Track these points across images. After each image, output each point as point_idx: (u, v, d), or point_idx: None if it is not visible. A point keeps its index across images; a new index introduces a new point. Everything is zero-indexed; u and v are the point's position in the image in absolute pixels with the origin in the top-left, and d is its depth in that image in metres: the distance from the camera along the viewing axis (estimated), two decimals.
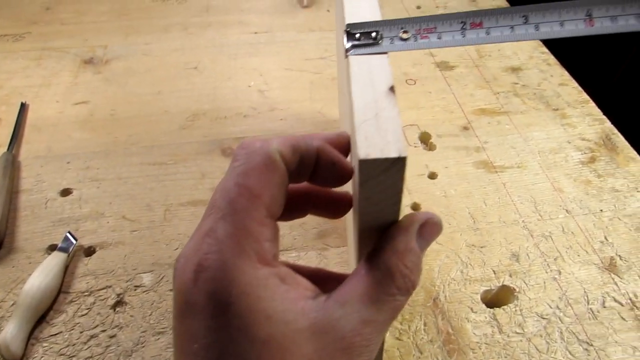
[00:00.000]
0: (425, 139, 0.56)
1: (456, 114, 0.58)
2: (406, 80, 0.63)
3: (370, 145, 0.17)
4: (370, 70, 0.21)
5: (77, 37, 0.68)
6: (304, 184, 0.25)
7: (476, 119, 0.58)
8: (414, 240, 0.21)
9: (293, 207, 0.26)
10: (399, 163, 0.17)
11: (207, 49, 0.67)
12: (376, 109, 0.19)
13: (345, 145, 0.24)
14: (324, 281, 0.25)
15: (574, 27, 0.24)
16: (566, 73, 0.65)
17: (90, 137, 0.55)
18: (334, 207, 0.26)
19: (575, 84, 0.63)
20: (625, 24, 0.23)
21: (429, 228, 0.22)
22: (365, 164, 0.17)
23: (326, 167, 0.23)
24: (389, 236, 0.21)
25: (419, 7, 0.77)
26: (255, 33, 0.70)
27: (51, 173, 0.52)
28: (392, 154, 0.17)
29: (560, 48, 0.68)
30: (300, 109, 0.59)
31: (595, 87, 0.66)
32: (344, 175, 0.23)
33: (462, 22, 0.25)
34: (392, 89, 0.20)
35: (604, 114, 0.59)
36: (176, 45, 0.67)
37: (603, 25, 0.24)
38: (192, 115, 0.58)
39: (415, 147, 0.55)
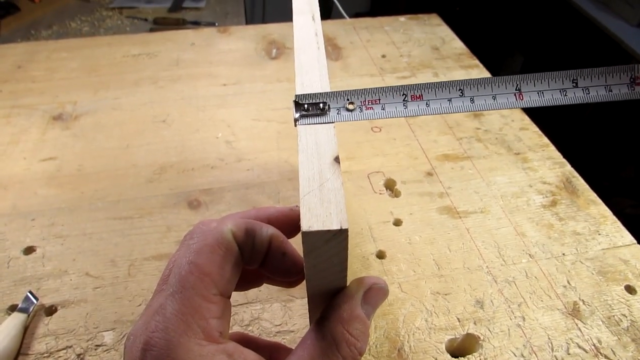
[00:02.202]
0: (390, 186, 0.56)
1: (420, 160, 0.59)
2: (372, 128, 0.64)
3: (313, 217, 0.18)
4: (317, 140, 0.22)
5: (47, 94, 0.68)
6: None
7: (440, 164, 0.59)
8: (359, 307, 0.22)
9: (248, 279, 0.26)
10: (340, 235, 0.18)
11: (176, 102, 0.68)
12: (320, 180, 0.19)
13: (297, 219, 0.25)
14: (280, 353, 0.25)
15: (505, 100, 0.25)
16: (527, 117, 0.67)
17: (56, 193, 0.55)
18: (288, 277, 0.27)
19: (536, 128, 0.65)
20: (551, 97, 0.25)
21: (374, 293, 0.23)
22: (307, 235, 0.18)
23: (276, 256, 0.24)
24: (335, 304, 0.22)
25: (384, 56, 0.79)
26: (224, 85, 0.72)
27: (15, 231, 0.51)
28: (334, 226, 0.18)
29: None
30: (268, 158, 0.60)
31: (555, 130, 0.68)
32: (292, 269, 0.24)
33: (403, 94, 0.26)
34: (337, 159, 0.20)
35: (564, 157, 0.60)
36: (145, 99, 0.68)
37: (531, 99, 0.25)
38: (160, 168, 0.58)
39: (380, 194, 0.55)
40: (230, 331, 0.41)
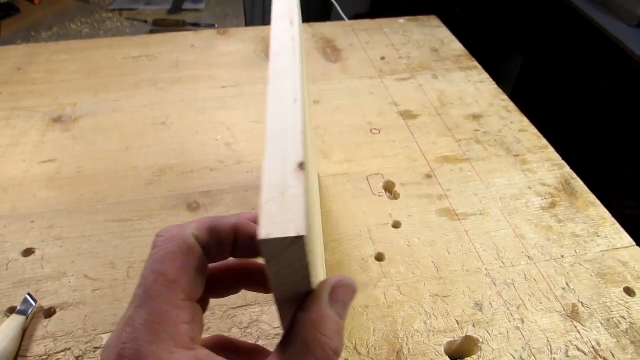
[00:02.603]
0: (389, 188, 0.56)
1: (419, 162, 0.59)
2: (371, 130, 0.64)
3: (272, 224, 0.18)
4: (283, 146, 0.22)
5: (47, 96, 0.69)
6: (232, 261, 0.26)
7: (439, 166, 0.59)
8: (327, 307, 0.22)
9: (225, 285, 0.26)
10: (298, 242, 0.18)
11: (176, 104, 0.68)
12: (283, 187, 0.19)
13: None
14: (260, 356, 0.25)
15: None
16: (526, 119, 0.67)
17: (55, 195, 0.55)
18: (266, 282, 0.27)
19: (535, 130, 0.65)
20: None
21: (341, 291, 0.23)
22: (265, 243, 0.18)
23: (244, 240, 0.24)
24: (303, 308, 0.22)
25: (383, 58, 0.79)
26: (224, 87, 0.72)
27: (14, 233, 0.51)
28: (291, 233, 0.18)
29: (522, 96, 0.71)
30: None
31: (554, 132, 0.68)
32: None
33: None
34: (301, 165, 0.20)
35: (563, 158, 0.60)
36: (145, 101, 0.68)
37: None
38: (159, 170, 0.58)
39: (379, 196, 0.55)
40: (223, 333, 0.41)
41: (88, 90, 0.70)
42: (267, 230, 0.17)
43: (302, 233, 0.17)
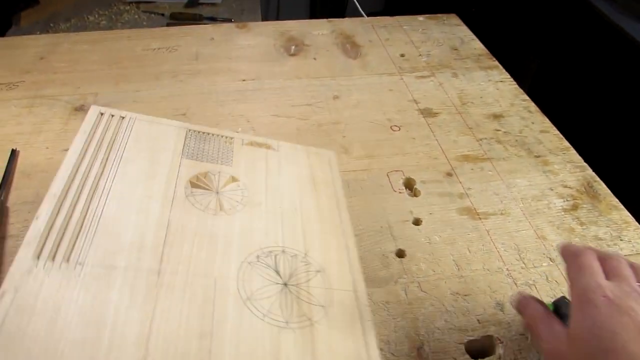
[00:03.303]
0: (409, 185, 0.56)
1: (440, 160, 0.59)
2: (391, 127, 0.64)
3: None
4: None
5: (69, 85, 0.69)
6: None
7: (459, 165, 0.59)
8: None
9: None
10: None
11: (196, 96, 0.68)
12: None
13: None
14: None
15: None
16: (547, 120, 0.66)
17: None
18: None
19: (556, 131, 0.64)
20: None
21: None
22: None
23: None
24: None
25: (402, 55, 0.79)
26: (244, 80, 0.72)
27: None
28: None
29: (539, 99, 0.70)
30: None
31: (576, 134, 0.67)
32: None
33: None
34: None
35: (586, 159, 0.60)
36: (165, 93, 0.68)
37: None
38: None
39: (400, 192, 0.55)
40: None
41: (109, 80, 0.71)
42: None
43: None
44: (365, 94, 0.70)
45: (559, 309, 0.37)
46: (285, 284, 0.40)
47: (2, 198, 0.53)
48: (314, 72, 0.74)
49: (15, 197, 0.54)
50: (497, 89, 0.72)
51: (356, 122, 0.65)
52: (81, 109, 0.65)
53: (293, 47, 0.80)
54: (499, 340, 0.41)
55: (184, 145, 0.50)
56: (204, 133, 0.53)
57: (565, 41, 1.71)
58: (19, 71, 0.72)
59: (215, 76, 0.72)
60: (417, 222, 0.52)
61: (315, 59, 0.77)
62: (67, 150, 0.56)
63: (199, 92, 0.69)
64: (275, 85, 0.71)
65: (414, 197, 0.55)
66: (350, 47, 0.81)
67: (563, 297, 0.39)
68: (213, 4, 1.41)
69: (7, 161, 0.57)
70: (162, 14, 1.35)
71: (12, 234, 0.50)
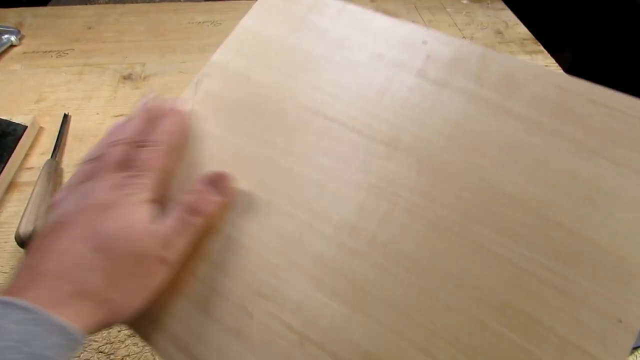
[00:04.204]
0: None
1: None
2: None
3: None
4: None
5: (116, 55, 0.70)
6: None
7: None
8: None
9: None
10: None
11: None
12: None
13: None
14: None
15: None
16: None
17: None
18: None
19: None
20: None
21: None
22: None
23: None
24: None
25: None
26: None
27: None
28: None
29: None
30: None
31: None
32: None
33: None
34: None
35: None
36: None
37: None
38: None
39: None
40: None
41: (155, 51, 0.72)
42: None
43: None
44: None
45: None
46: None
47: (56, 159, 0.55)
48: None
49: (68, 158, 0.55)
50: None
51: None
52: (129, 78, 0.66)
53: None
54: None
55: None
56: None
57: (602, 32, 1.67)
58: (68, 40, 0.73)
59: None
60: None
61: None
62: (117, 116, 0.58)
63: None
64: None
65: None
66: None
67: None
68: None
69: (60, 125, 0.58)
70: None
71: None
